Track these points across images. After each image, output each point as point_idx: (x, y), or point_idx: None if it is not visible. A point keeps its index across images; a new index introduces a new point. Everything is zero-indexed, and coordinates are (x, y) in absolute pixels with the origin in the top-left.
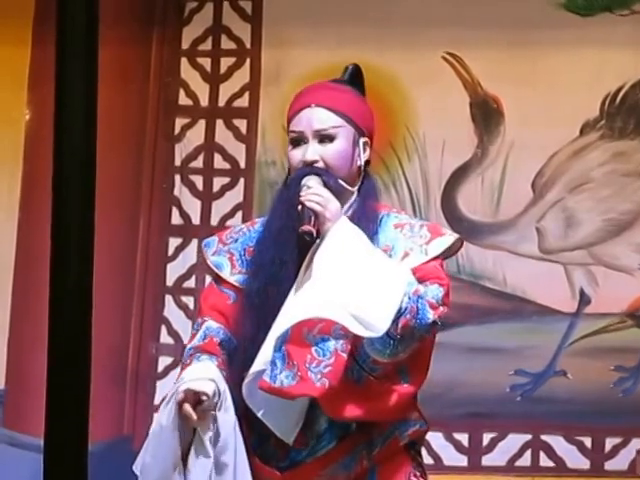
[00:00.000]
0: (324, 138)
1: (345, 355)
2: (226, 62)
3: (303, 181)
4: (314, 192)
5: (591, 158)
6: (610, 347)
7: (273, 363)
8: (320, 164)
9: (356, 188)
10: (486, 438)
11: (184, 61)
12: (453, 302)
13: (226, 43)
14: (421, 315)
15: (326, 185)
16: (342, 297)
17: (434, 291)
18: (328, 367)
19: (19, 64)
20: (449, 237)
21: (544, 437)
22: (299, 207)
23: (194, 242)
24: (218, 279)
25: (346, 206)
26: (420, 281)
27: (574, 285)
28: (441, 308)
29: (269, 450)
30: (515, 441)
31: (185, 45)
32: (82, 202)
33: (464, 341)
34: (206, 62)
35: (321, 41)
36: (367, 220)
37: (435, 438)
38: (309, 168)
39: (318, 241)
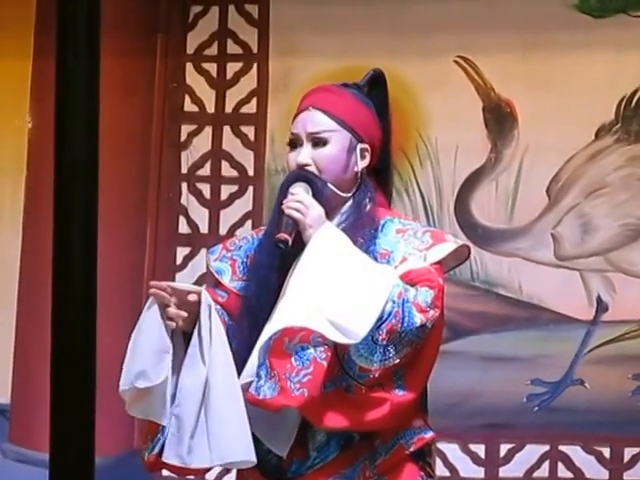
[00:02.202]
0: (317, 141)
1: (325, 363)
2: (232, 67)
3: (290, 189)
4: (295, 199)
5: (607, 162)
6: (628, 355)
7: (258, 375)
8: (312, 168)
9: (350, 194)
10: (503, 449)
11: (189, 66)
12: (468, 310)
13: (232, 48)
14: (407, 319)
15: (315, 192)
16: (319, 303)
17: (423, 294)
18: (307, 376)
19: (21, 75)
20: (451, 244)
21: (562, 447)
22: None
23: (203, 251)
24: (217, 284)
25: (340, 212)
26: (410, 284)
27: (591, 292)
28: (431, 311)
29: (270, 464)
30: (533, 452)
31: (190, 50)
32: (84, 213)
33: (479, 350)
34: (212, 67)
35: (331, 46)
36: (362, 226)
37: (451, 449)
38: (297, 172)
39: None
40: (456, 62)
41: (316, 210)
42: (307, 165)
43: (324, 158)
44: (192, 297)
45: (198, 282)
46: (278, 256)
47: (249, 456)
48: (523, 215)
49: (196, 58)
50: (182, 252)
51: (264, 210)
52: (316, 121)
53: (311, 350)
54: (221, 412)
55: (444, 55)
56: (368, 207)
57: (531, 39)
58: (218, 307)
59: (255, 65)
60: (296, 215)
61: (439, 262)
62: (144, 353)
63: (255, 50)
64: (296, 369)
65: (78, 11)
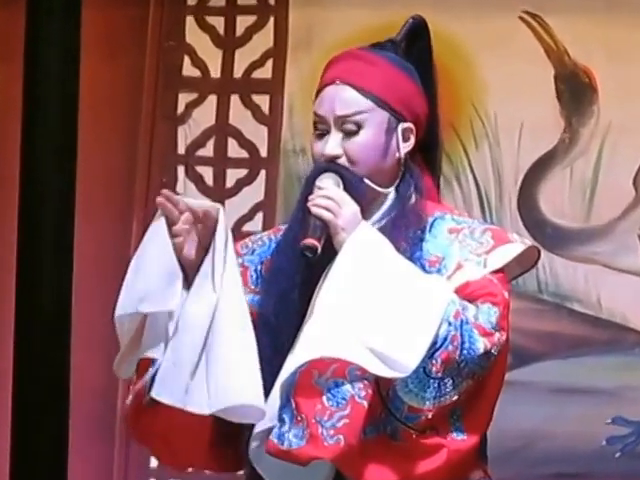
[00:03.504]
0: (349, 126)
1: (365, 403)
2: (243, 22)
3: (317, 182)
4: (324, 195)
5: None
6: None
7: (280, 418)
8: (343, 160)
9: (393, 188)
10: None
11: (190, 20)
12: (534, 330)
13: None
14: (468, 345)
15: (346, 183)
16: (357, 328)
17: (486, 312)
18: (343, 420)
19: None
20: (517, 245)
21: None
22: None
23: None
24: None
25: (381, 211)
26: (468, 300)
27: None
28: (497, 334)
29: None
30: None
31: (191, 0)
32: (57, 202)
33: (548, 380)
34: (218, 22)
35: None
36: (406, 226)
37: None
38: (325, 165)
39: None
40: (522, 19)
41: (350, 208)
42: (337, 157)
43: (358, 147)
44: (207, 217)
45: None
46: (303, 266)
47: (257, 401)
48: (604, 211)
49: (199, 10)
50: None
51: (278, 201)
52: (346, 100)
53: (347, 387)
54: (230, 348)
55: (507, 9)
56: (413, 200)
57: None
58: None
59: (272, 19)
60: (326, 215)
61: (502, 269)
62: (150, 273)
63: (272, 1)
64: (329, 411)
65: None
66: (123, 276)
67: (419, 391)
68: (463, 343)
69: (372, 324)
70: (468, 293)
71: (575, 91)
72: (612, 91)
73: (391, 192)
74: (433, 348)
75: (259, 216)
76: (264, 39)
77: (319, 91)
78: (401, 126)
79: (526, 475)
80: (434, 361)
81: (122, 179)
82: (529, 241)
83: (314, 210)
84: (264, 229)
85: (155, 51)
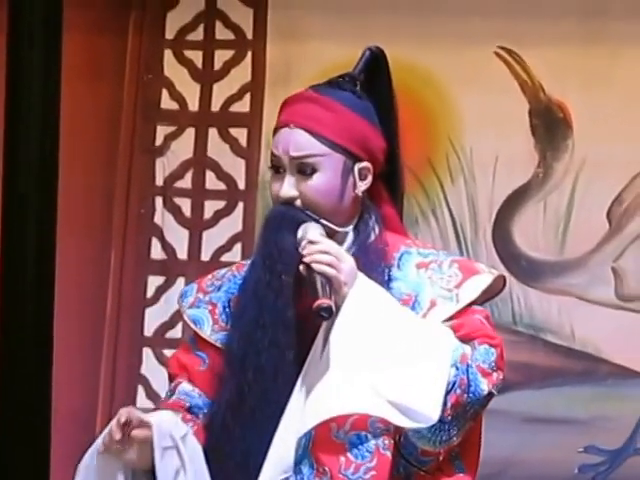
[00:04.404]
0: (304, 168)
1: (389, 454)
2: (221, 56)
3: (300, 232)
4: (321, 250)
5: None
6: None
7: (298, 471)
8: (299, 202)
9: (351, 227)
10: None
11: (168, 54)
12: (509, 361)
13: (222, 32)
14: (473, 387)
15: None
16: (373, 381)
17: (483, 354)
18: (370, 472)
19: None
20: (485, 275)
21: None
22: (300, 267)
23: (180, 281)
24: (196, 338)
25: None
26: (463, 340)
27: None
28: (495, 374)
29: None
30: None
31: (170, 34)
32: (39, 229)
33: (522, 410)
34: (196, 56)
35: (341, 31)
36: (371, 265)
37: None
38: (283, 209)
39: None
40: (497, 54)
41: (348, 262)
42: (293, 199)
43: (313, 190)
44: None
45: (173, 320)
46: (267, 309)
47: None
48: (577, 244)
49: (177, 44)
50: (154, 282)
51: (256, 231)
52: (300, 143)
53: (371, 439)
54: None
55: (482, 45)
56: (373, 237)
57: (591, 29)
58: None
59: (249, 53)
60: (330, 272)
61: (475, 301)
62: None
63: (250, 36)
64: (354, 464)
65: None
66: (99, 302)
67: (432, 436)
68: (470, 386)
69: (387, 376)
70: (464, 334)
71: (549, 126)
72: (586, 126)
73: (349, 231)
74: (445, 393)
75: (237, 247)
76: (242, 73)
77: (275, 130)
78: (357, 166)
79: None
80: (445, 406)
81: (100, 209)
82: (495, 270)
83: (317, 267)
84: (242, 259)
85: (134, 83)
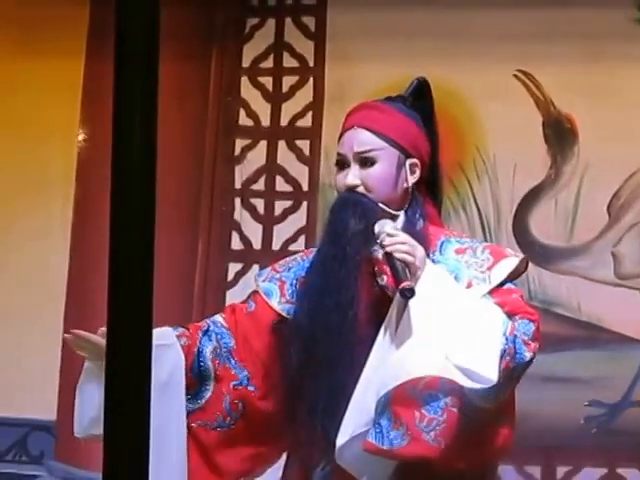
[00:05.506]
0: (365, 161)
1: (456, 410)
2: (288, 81)
3: (377, 227)
4: (400, 241)
5: None
6: None
7: (377, 423)
8: (361, 188)
9: (403, 211)
10: (560, 471)
11: (244, 80)
12: None
13: (288, 61)
14: (519, 355)
15: (363, 207)
16: (444, 349)
17: (525, 326)
18: (442, 425)
19: (72, 80)
20: (512, 259)
21: (620, 470)
22: (378, 254)
23: (255, 268)
24: (254, 300)
25: None
26: (508, 315)
27: None
28: (533, 344)
29: None
30: (590, 474)
31: (246, 63)
32: (142, 224)
33: (537, 371)
34: (267, 81)
35: (387, 57)
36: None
37: (506, 471)
38: (347, 195)
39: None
40: (516, 76)
41: (421, 251)
42: (356, 186)
43: (373, 178)
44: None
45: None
46: (334, 278)
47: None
48: (583, 233)
49: (252, 71)
50: (234, 268)
51: (317, 226)
52: (362, 140)
53: (441, 397)
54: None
55: (503, 67)
56: (421, 225)
57: (592, 52)
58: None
59: (311, 78)
60: (409, 259)
61: (504, 282)
62: (93, 402)
63: (311, 63)
64: (427, 418)
65: (137, 22)
66: (188, 285)
67: (487, 395)
68: (516, 354)
69: (455, 344)
70: (509, 310)
71: (559, 135)
72: (590, 135)
73: (401, 215)
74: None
75: (302, 238)
76: (305, 94)
77: (340, 136)
78: (408, 161)
79: (518, 446)
80: (498, 370)
81: (190, 208)
82: (520, 254)
83: (399, 255)
84: (306, 248)
85: (216, 104)
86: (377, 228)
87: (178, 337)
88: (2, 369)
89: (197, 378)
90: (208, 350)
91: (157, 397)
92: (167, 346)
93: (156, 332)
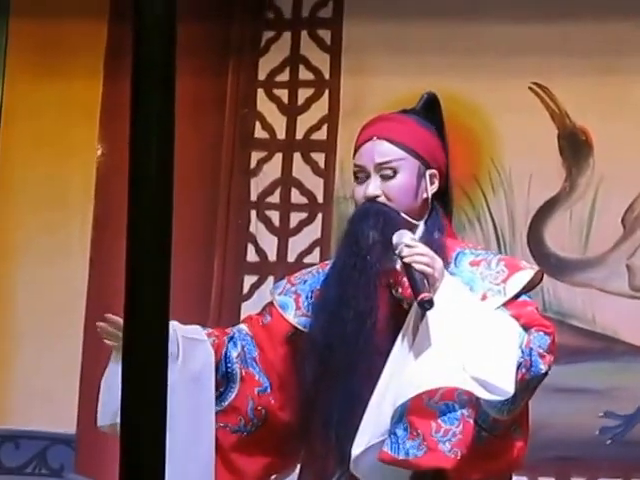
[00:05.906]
0: (386, 171)
1: (472, 421)
2: (304, 93)
3: (395, 238)
4: (419, 252)
5: None
6: None
7: (393, 433)
8: (382, 199)
9: (422, 222)
10: None
11: (260, 92)
12: None
13: (304, 74)
14: (534, 368)
15: (385, 216)
16: (461, 361)
17: (541, 340)
18: (458, 436)
19: (91, 99)
20: (528, 271)
21: None
22: (395, 265)
23: (270, 280)
24: (270, 312)
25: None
26: (524, 328)
27: None
28: (549, 357)
29: None
30: None
31: (262, 76)
32: (159, 238)
33: (551, 382)
34: (283, 94)
35: (402, 70)
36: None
37: None
38: (369, 205)
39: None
40: (531, 89)
41: (439, 261)
42: (377, 196)
43: (394, 188)
44: None
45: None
46: (352, 289)
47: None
48: (598, 245)
49: (268, 84)
50: (249, 280)
51: (332, 238)
52: (383, 151)
53: (457, 408)
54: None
55: (519, 80)
56: (438, 236)
57: (607, 64)
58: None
59: (326, 91)
60: (428, 270)
61: (519, 294)
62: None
63: (327, 76)
64: (444, 429)
65: (154, 41)
66: (204, 297)
67: (502, 406)
68: (532, 366)
69: (472, 356)
70: (524, 323)
71: (574, 147)
72: (604, 147)
73: (420, 226)
74: None
75: (317, 250)
76: (320, 107)
77: (357, 148)
78: (428, 172)
79: (533, 457)
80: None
81: (206, 220)
82: (535, 266)
83: (418, 267)
84: (321, 261)
85: (232, 117)
86: (395, 239)
87: (208, 335)
88: (23, 383)
89: (222, 379)
90: (234, 354)
91: (189, 391)
92: (199, 341)
93: (188, 328)
